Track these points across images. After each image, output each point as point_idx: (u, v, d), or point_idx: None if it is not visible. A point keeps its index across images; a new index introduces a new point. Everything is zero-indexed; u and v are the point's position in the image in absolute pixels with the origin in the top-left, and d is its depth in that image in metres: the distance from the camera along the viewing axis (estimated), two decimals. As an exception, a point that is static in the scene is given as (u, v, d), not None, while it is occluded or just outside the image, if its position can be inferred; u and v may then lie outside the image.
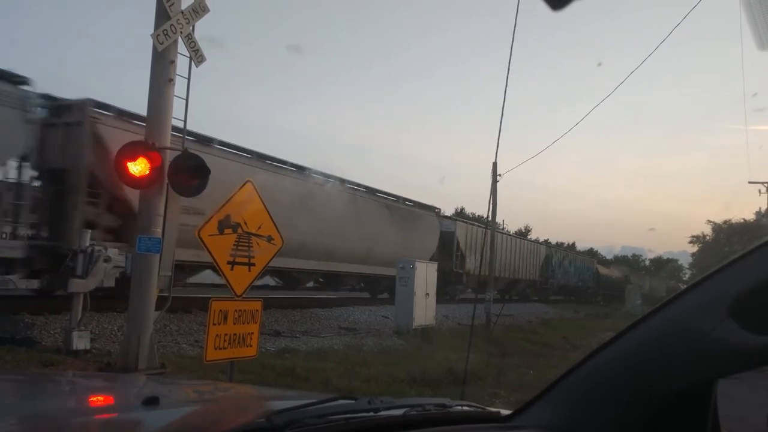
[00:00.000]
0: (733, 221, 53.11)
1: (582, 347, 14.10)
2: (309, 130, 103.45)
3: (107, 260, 8.54)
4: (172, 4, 6.95)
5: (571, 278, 41.19)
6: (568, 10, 1.03)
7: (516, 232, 61.69)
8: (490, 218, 20.01)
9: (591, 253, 67.67)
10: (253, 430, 1.14)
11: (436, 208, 25.05)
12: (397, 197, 21.94)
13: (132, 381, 3.07)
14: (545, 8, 1.01)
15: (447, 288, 22.84)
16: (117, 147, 7.14)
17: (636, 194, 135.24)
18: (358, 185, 19.63)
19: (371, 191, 20.31)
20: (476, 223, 29.33)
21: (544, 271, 36.25)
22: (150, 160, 6.84)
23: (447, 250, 23.91)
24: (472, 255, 25.73)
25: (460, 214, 49.52)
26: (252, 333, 5.52)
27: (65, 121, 11.00)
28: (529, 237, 47.55)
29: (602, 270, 50.98)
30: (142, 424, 1.39)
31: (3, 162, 10.37)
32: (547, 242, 50.97)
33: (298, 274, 17.83)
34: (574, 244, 70.75)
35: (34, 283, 11.76)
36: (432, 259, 19.41)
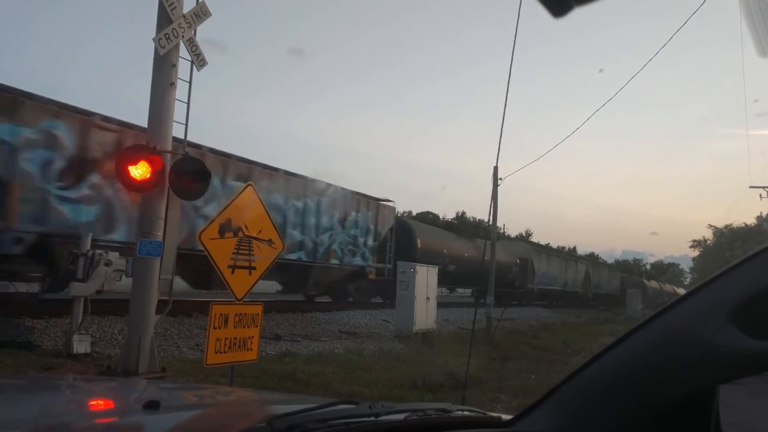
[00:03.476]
0: (735, 225, 53.18)
1: (583, 351, 14.08)
2: (308, 132, 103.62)
3: (108, 264, 8.53)
4: (174, 7, 6.96)
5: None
6: (570, 18, 1.04)
7: (517, 236, 58.47)
8: (490, 222, 20.01)
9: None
10: None
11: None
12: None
13: (132, 385, 3.08)
14: (547, 15, 1.02)
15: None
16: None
17: (637, 198, 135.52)
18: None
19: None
20: None
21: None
22: (151, 163, 6.85)
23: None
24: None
25: (460, 219, 47.92)
26: (252, 337, 5.51)
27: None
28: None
29: (425, 240, 23.13)
30: (142, 428, 1.39)
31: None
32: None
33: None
34: (575, 248, 70.14)
35: (35, 287, 11.76)
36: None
